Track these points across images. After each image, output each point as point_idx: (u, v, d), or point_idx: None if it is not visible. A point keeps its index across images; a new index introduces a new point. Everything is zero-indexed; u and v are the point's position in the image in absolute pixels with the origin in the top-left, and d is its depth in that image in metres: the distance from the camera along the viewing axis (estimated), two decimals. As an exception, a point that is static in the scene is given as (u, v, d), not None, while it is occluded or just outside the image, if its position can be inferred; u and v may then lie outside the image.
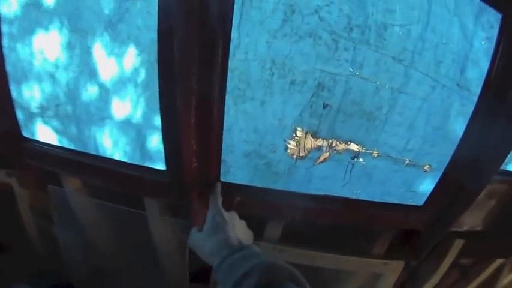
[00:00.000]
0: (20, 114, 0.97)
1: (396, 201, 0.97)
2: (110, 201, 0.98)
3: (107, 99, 0.85)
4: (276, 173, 0.90)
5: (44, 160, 0.93)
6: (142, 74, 0.79)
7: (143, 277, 1.15)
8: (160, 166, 0.87)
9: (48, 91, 0.92)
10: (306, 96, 0.77)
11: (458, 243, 1.08)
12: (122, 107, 0.85)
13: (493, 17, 0.79)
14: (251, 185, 0.85)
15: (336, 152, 0.86)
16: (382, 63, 0.77)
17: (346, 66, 0.75)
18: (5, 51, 0.87)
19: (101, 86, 0.85)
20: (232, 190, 0.78)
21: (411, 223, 0.94)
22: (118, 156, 0.93)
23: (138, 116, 0.85)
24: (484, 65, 0.82)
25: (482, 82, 0.83)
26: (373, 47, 0.75)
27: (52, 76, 0.89)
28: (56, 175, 0.98)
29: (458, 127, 0.89)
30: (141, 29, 0.75)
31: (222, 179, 0.85)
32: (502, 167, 0.92)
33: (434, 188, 0.91)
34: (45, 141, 0.96)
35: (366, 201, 0.90)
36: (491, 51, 0.80)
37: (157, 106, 0.75)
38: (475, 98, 0.84)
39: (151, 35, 0.72)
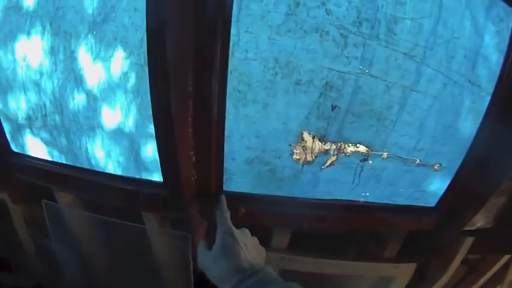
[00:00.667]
0: (7, 127, 0.88)
1: (405, 202, 0.90)
2: (105, 215, 0.87)
3: (96, 107, 0.75)
4: (281, 179, 0.81)
5: (34, 175, 0.83)
6: (132, 79, 0.69)
7: (144, 289, 1.04)
8: (157, 177, 0.77)
9: (34, 100, 0.82)
10: (312, 97, 0.68)
11: (468, 241, 1.00)
12: (112, 115, 0.75)
13: (503, 11, 0.73)
14: (255, 193, 0.75)
15: (344, 155, 0.77)
16: (392, 60, 0.68)
17: (355, 63, 0.66)
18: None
19: (89, 94, 0.74)
20: (236, 201, 0.68)
21: (423, 225, 0.85)
22: (112, 167, 0.83)
23: (130, 125, 0.75)
24: (494, 60, 0.76)
25: (492, 78, 0.77)
26: (384, 42, 0.66)
27: (37, 84, 0.79)
28: (49, 189, 0.87)
29: (468, 125, 0.82)
30: (128, 28, 0.65)
31: (224, 189, 0.74)
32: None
33: (446, 189, 0.83)
34: (34, 156, 0.86)
35: (376, 205, 0.82)
36: (501, 45, 0.74)
37: (150, 113, 0.65)
38: (485, 95, 0.78)
39: (140, 34, 0.62)
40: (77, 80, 0.74)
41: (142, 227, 0.86)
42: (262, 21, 0.60)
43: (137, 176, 0.80)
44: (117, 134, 0.77)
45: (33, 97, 0.80)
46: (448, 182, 0.86)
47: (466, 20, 0.70)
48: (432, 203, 0.89)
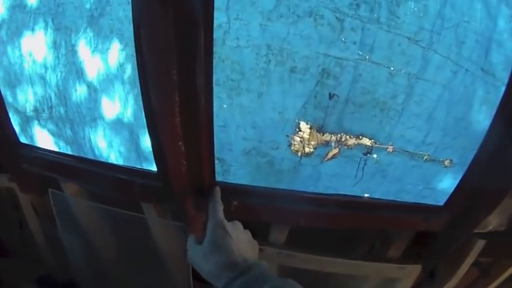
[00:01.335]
0: (17, 119, 0.89)
1: (413, 200, 0.83)
2: (109, 204, 0.86)
3: (96, 98, 0.75)
4: (280, 171, 0.77)
5: (40, 165, 0.83)
6: (128, 70, 0.68)
7: (149, 280, 1.03)
8: (155, 168, 0.75)
9: (40, 93, 0.83)
10: (309, 86, 0.64)
11: (480, 244, 0.91)
12: (112, 106, 0.74)
13: (518, -7, 0.66)
14: (251, 185, 0.71)
15: (346, 147, 0.72)
16: (396, 45, 0.63)
17: (354, 49, 0.61)
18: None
19: (89, 85, 0.74)
20: (229, 193, 0.65)
21: (431, 225, 0.78)
22: (114, 157, 0.82)
23: (128, 115, 0.74)
24: (510, 46, 0.69)
25: (508, 66, 0.67)
26: (385, 26, 0.61)
27: (42, 78, 0.79)
28: (56, 180, 0.87)
29: (482, 117, 0.74)
30: (123, 21, 0.64)
31: (221, 178, 0.71)
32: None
33: (456, 187, 0.75)
34: (41, 146, 0.86)
35: (382, 202, 0.76)
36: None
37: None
38: (500, 84, 0.70)
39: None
40: (78, 72, 0.74)
41: (144, 217, 0.84)
42: (252, 7, 0.57)
43: (138, 166, 0.79)
44: (117, 124, 0.77)
45: (39, 90, 0.81)
46: (459, 180, 0.78)
47: (477, 2, 0.64)
48: (442, 201, 0.82)
